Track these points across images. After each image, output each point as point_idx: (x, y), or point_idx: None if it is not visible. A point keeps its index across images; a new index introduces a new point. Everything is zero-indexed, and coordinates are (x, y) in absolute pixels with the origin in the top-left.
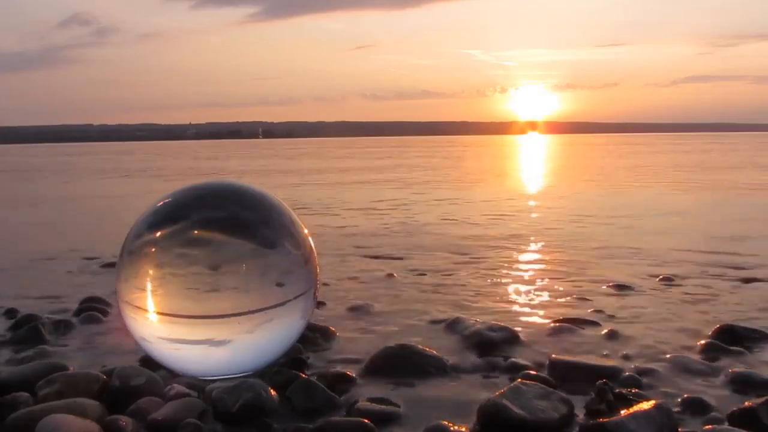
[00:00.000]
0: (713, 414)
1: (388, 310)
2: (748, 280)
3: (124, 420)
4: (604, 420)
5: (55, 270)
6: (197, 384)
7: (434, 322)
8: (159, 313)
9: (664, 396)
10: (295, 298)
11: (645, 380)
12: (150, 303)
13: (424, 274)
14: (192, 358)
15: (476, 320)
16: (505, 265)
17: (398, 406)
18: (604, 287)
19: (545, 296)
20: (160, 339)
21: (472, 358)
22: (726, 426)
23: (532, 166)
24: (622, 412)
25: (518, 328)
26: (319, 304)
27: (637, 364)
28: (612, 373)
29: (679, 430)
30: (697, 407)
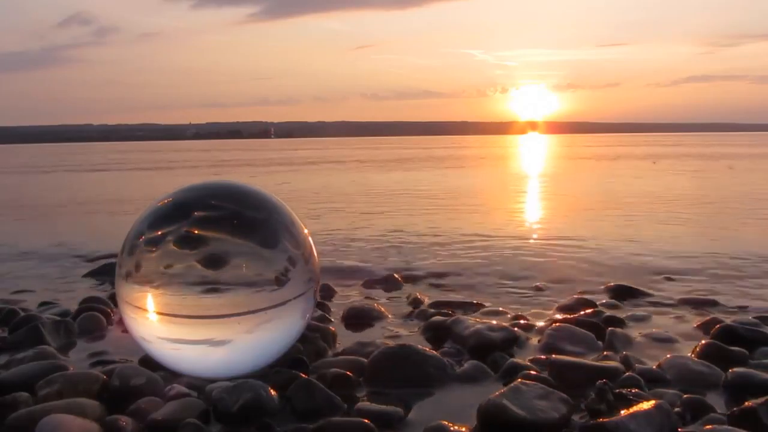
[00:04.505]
0: (713, 414)
1: (388, 311)
2: (747, 280)
3: (124, 420)
4: (604, 420)
5: (55, 270)
6: (197, 384)
7: (434, 322)
8: (159, 313)
9: (664, 396)
10: (295, 298)
11: (645, 380)
12: (150, 303)
13: (423, 275)
14: (192, 358)
15: (476, 320)
16: (505, 264)
17: (398, 407)
18: (605, 287)
19: (545, 296)
20: (160, 339)
21: (472, 359)
22: (726, 426)
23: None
24: (622, 412)
25: (518, 329)
26: (320, 304)
27: (637, 364)
28: (612, 373)
29: (679, 430)
30: (697, 407)
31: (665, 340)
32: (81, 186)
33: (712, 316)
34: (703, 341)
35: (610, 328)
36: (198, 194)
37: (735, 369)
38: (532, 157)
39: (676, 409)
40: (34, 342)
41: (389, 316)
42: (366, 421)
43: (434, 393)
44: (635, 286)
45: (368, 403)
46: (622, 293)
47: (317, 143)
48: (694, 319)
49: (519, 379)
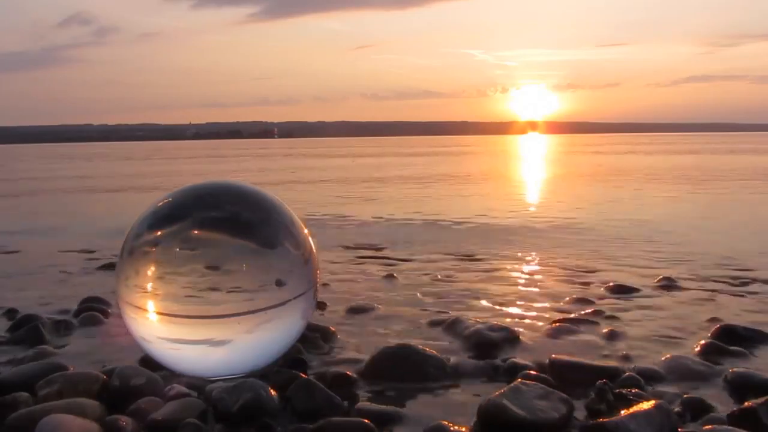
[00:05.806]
0: (713, 414)
1: (388, 310)
2: (747, 281)
3: (124, 420)
4: (604, 420)
5: (55, 270)
6: (197, 384)
7: (434, 322)
8: (159, 313)
9: (664, 396)
10: (295, 298)
11: (645, 380)
12: (150, 303)
13: (424, 274)
14: (192, 358)
15: (476, 320)
16: (506, 264)
17: (398, 407)
18: (604, 287)
19: (545, 296)
20: (160, 339)
21: (471, 359)
22: (726, 426)
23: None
24: (622, 412)
25: (518, 328)
26: (320, 304)
27: (637, 364)
28: (612, 373)
29: (679, 430)
30: (697, 407)
31: (665, 340)
32: None
33: (712, 315)
34: (703, 341)
35: (610, 328)
36: (198, 194)
37: (735, 369)
38: (559, 171)
39: (676, 409)
40: (34, 342)
41: (389, 314)
42: (366, 420)
43: (434, 393)
44: (635, 285)
45: (368, 402)
46: (623, 293)
47: (339, 143)
48: (694, 319)
49: (519, 379)
